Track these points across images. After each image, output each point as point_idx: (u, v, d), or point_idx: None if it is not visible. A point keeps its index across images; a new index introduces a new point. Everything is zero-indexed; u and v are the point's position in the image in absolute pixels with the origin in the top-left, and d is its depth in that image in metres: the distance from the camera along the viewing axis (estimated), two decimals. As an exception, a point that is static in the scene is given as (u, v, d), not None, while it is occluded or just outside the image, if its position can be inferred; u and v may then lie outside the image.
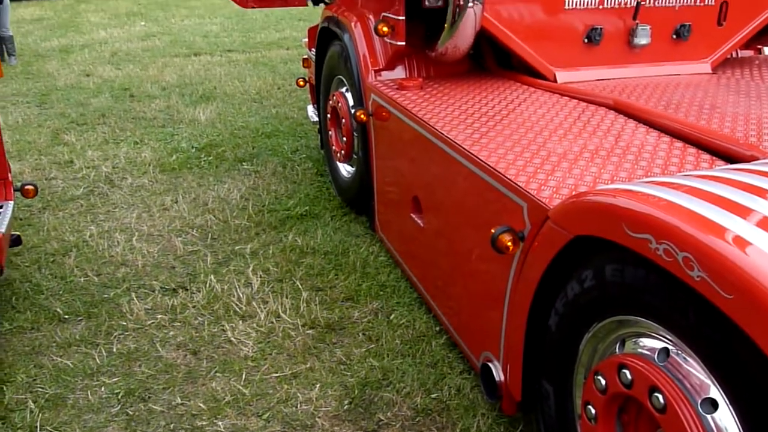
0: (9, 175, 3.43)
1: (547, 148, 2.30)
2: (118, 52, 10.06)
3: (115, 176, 4.91)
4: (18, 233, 3.38)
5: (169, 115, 6.60)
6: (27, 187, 3.35)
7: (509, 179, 2.05)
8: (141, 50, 10.17)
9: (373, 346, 2.87)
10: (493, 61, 3.49)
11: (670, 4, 3.25)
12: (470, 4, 2.85)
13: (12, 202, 3.32)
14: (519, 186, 2.00)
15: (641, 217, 1.43)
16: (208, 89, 7.59)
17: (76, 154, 5.37)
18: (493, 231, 1.93)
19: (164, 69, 8.75)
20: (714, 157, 2.19)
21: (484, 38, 3.21)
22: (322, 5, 4.87)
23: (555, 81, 3.16)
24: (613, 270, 1.60)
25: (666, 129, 2.45)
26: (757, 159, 2.02)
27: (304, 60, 5.32)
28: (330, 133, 4.24)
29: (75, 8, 15.57)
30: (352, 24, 3.66)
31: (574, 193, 1.90)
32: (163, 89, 7.65)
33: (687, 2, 3.28)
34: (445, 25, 3.01)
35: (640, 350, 1.59)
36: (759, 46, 3.91)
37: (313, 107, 5.09)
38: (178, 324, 3.06)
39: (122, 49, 10.24)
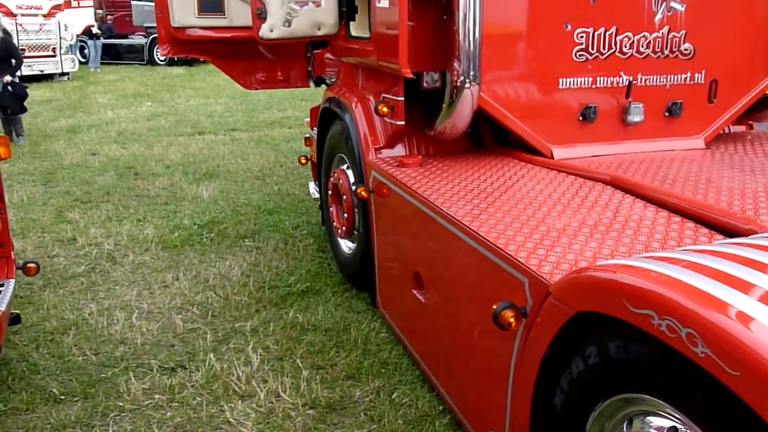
0: (12, 253, 3.44)
1: (547, 224, 2.32)
2: (125, 131, 10.29)
3: (117, 253, 4.93)
4: (17, 312, 3.36)
5: (173, 192, 6.68)
6: (29, 264, 3.35)
7: (510, 255, 2.06)
8: (147, 130, 10.39)
9: (375, 426, 2.80)
10: (491, 138, 3.56)
11: (661, 83, 3.36)
12: (467, 85, 2.94)
13: (13, 280, 3.31)
14: (519, 262, 2.00)
15: (642, 293, 1.43)
16: (211, 167, 7.72)
17: (79, 232, 5.40)
18: (494, 307, 1.92)
19: (169, 148, 8.92)
20: (712, 231, 2.20)
21: (482, 116, 3.29)
22: (323, 86, 5.02)
23: (552, 157, 3.22)
24: (616, 346, 1.58)
25: (663, 204, 2.48)
26: (755, 233, 2.04)
27: (306, 138, 5.44)
28: (331, 209, 4.29)
29: (84, 90, 16.03)
30: (353, 104, 3.77)
31: (574, 268, 1.91)
32: (167, 167, 7.78)
33: (677, 81, 3.38)
34: (443, 105, 3.09)
35: (648, 429, 1.55)
36: (750, 122, 4.00)
37: (315, 184, 5.16)
38: (176, 404, 3.00)
39: (128, 129, 10.47)
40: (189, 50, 5.08)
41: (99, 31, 22.18)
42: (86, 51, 21.71)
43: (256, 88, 5.37)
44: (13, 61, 9.39)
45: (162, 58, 21.34)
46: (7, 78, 9.09)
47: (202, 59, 5.34)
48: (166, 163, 7.97)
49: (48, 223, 5.65)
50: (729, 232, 2.16)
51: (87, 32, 21.73)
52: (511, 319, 1.89)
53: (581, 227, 2.27)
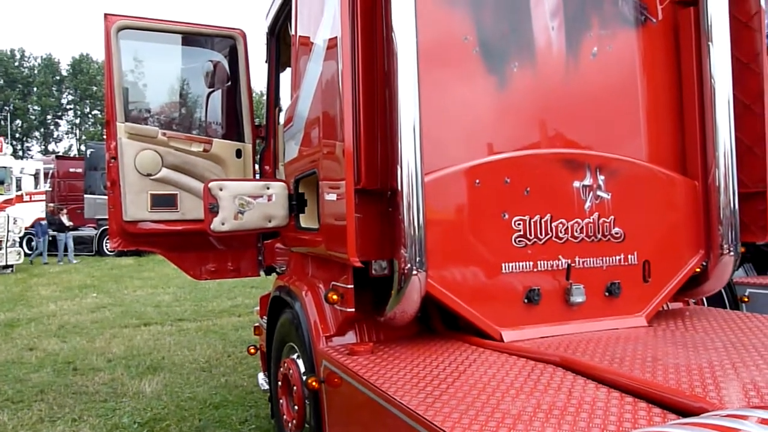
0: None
1: (501, 410, 2.28)
2: (66, 324, 9.96)
3: (46, 460, 4.54)
4: None
5: (113, 388, 6.35)
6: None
7: (466, 445, 1.99)
8: (90, 322, 10.10)
9: None
10: (441, 323, 3.59)
11: (598, 265, 3.52)
12: (414, 272, 3.01)
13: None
14: (476, 452, 1.94)
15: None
16: (155, 360, 7.44)
17: (5, 437, 5.00)
18: (454, 504, 1.82)
19: (112, 340, 8.64)
20: (665, 411, 2.20)
21: (431, 301, 3.35)
22: (274, 275, 5.07)
23: (502, 340, 3.25)
24: None
25: (614, 384, 2.49)
26: (706, 410, 2.05)
27: (255, 327, 5.37)
28: (281, 401, 4.12)
29: (27, 282, 15.69)
30: (303, 292, 3.79)
31: (532, 457, 1.85)
32: (108, 361, 7.47)
33: (613, 262, 3.56)
34: (392, 292, 3.14)
35: None
36: (686, 299, 4.18)
37: (264, 375, 5.00)
38: None
39: (70, 322, 10.15)
40: (139, 243, 5.13)
41: (71, 223, 22.32)
42: (33, 243, 21.66)
43: (206, 278, 5.39)
44: None
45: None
46: None
47: (151, 251, 5.39)
48: (108, 357, 7.67)
49: (-28, 429, 5.23)
50: (680, 410, 2.17)
51: (59, 225, 21.87)
52: None
53: (536, 412, 2.24)
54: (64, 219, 22.18)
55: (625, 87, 3.80)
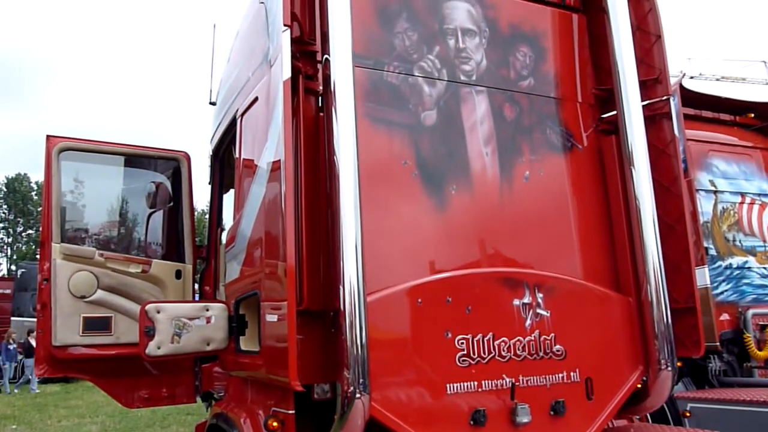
0: None
1: None
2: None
3: None
4: None
5: None
6: None
7: None
8: (5, 460, 9.28)
9: None
10: (386, 449, 3.47)
11: (542, 383, 3.52)
12: (357, 395, 2.94)
13: None
14: None
15: None
16: (78, 499, 6.83)
17: None
18: None
19: (30, 479, 7.91)
20: None
21: (375, 426, 3.24)
22: (211, 401, 4.85)
23: (447, 465, 3.14)
24: None
25: None
26: None
27: (190, 460, 5.05)
28: None
29: (-62, 415, 14.43)
30: (242, 420, 3.63)
31: None
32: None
33: (556, 380, 3.56)
34: (335, 417, 3.04)
35: None
36: (629, 415, 4.18)
37: None
38: None
39: (-17, 462, 9.30)
40: (68, 369, 4.88)
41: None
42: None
43: (139, 406, 5.10)
44: None
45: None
46: None
47: (80, 378, 5.11)
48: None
49: None
50: None
51: (27, 349, 20.42)
52: None
53: None
54: (33, 342, 20.84)
55: (558, 208, 3.99)
